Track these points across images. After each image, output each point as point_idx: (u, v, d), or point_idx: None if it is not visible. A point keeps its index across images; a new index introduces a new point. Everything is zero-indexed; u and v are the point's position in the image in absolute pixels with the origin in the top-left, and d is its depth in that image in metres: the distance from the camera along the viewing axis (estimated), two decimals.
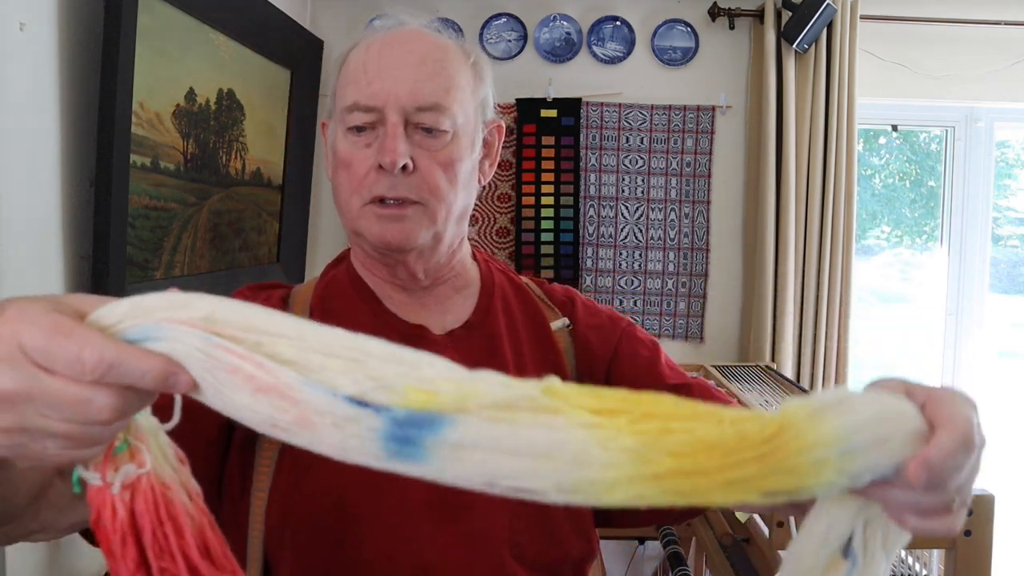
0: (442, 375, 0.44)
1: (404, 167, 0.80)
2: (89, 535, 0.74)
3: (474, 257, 0.96)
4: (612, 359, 0.91)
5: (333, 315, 0.87)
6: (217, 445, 0.79)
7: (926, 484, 0.43)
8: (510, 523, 0.79)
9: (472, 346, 0.86)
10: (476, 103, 0.87)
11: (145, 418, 0.50)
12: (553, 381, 0.43)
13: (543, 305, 0.94)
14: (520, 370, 0.86)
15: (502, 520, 0.79)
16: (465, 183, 0.86)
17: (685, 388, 0.90)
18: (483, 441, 0.42)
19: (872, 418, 0.42)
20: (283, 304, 0.88)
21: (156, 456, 0.49)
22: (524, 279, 0.98)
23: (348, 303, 0.88)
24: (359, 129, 0.82)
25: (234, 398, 0.44)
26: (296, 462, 0.78)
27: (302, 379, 0.42)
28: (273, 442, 0.79)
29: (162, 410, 0.50)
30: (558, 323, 0.92)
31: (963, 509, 0.49)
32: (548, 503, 0.45)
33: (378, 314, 0.87)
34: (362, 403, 0.42)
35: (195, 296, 0.45)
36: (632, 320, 0.98)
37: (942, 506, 0.46)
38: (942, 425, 0.45)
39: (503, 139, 0.94)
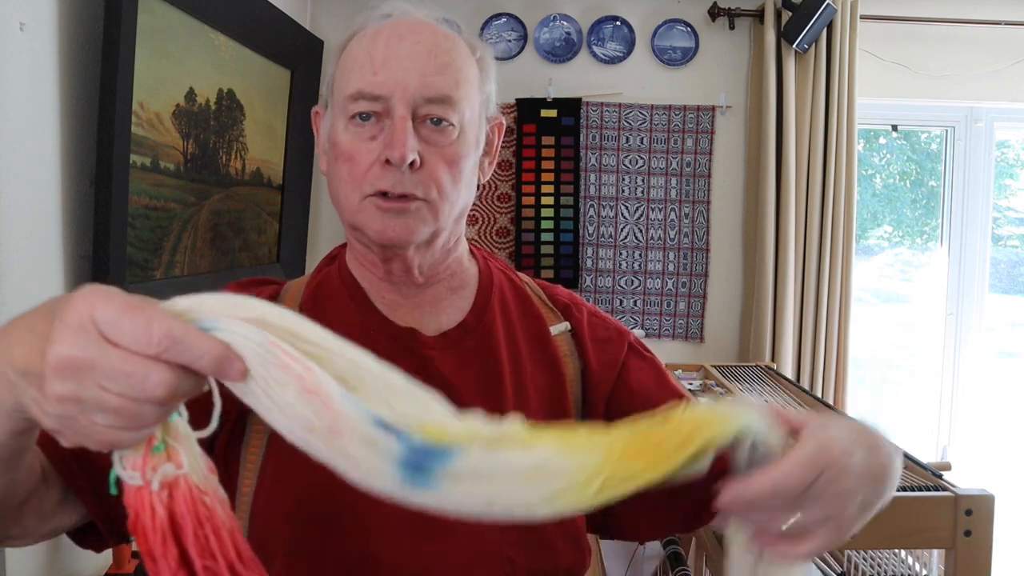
0: (447, 414, 0.50)
1: (412, 163, 0.77)
2: (76, 536, 0.74)
3: (472, 255, 0.94)
4: (620, 374, 0.89)
5: (323, 316, 0.83)
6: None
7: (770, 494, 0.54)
8: (501, 535, 0.78)
9: (467, 349, 0.84)
10: (482, 99, 0.85)
11: (181, 422, 0.52)
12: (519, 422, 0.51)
13: (543, 307, 0.91)
14: (517, 374, 0.84)
15: (493, 532, 0.78)
16: (468, 181, 0.84)
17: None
18: (483, 468, 0.48)
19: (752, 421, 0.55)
20: (272, 302, 0.87)
21: (191, 460, 0.51)
22: (525, 278, 0.96)
23: (338, 304, 0.86)
24: (363, 117, 0.79)
25: (280, 394, 0.47)
26: (282, 463, 0.77)
27: (342, 392, 0.47)
28: (259, 441, 0.78)
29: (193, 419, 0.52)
30: (559, 327, 0.90)
31: (836, 528, 0.57)
32: (537, 517, 0.53)
33: (368, 316, 0.85)
34: (388, 427, 0.47)
35: (250, 298, 0.49)
36: (636, 338, 0.96)
37: (796, 525, 0.54)
38: (797, 445, 0.56)
39: (503, 136, 0.92)
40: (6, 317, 1.32)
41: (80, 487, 0.70)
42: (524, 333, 0.88)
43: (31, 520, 0.67)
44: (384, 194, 0.79)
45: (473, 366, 0.83)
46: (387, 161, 0.77)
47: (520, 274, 0.97)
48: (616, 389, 0.89)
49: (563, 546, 0.82)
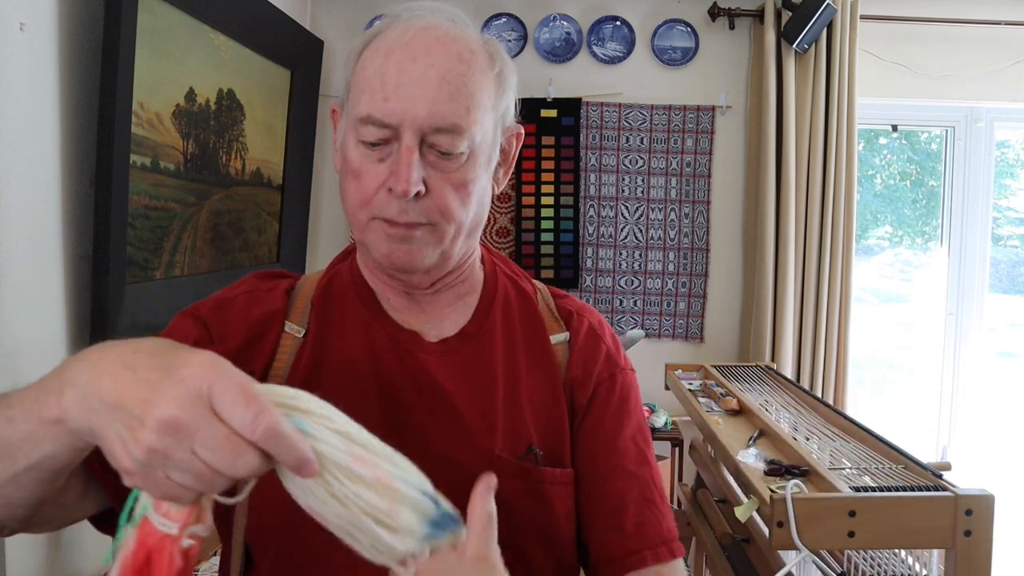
0: None
1: (416, 193, 0.77)
2: (96, 522, 0.76)
3: (482, 260, 0.94)
4: (591, 399, 0.88)
5: (331, 314, 0.87)
6: None
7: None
8: None
9: (464, 357, 0.85)
10: (497, 116, 0.84)
11: None
12: None
13: (548, 316, 0.91)
14: (511, 386, 0.85)
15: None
16: (479, 200, 0.83)
17: (628, 478, 0.86)
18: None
19: None
20: (286, 297, 0.88)
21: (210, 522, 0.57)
22: (537, 285, 0.95)
23: (347, 303, 0.88)
24: (372, 144, 0.78)
25: (350, 487, 0.55)
26: None
27: (401, 477, 0.57)
28: None
29: None
30: (559, 336, 0.90)
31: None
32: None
33: (374, 315, 0.86)
34: (431, 496, 0.58)
35: (335, 411, 0.57)
36: (630, 370, 0.93)
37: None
38: None
39: (521, 143, 0.91)
40: (6, 317, 1.32)
41: (105, 479, 0.72)
42: (524, 341, 0.88)
43: (52, 511, 0.69)
44: (390, 220, 0.79)
45: (468, 375, 0.84)
46: (391, 189, 0.77)
47: (535, 281, 0.96)
48: (583, 414, 0.87)
49: (545, 563, 0.82)
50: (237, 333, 0.82)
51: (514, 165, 0.91)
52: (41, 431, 0.57)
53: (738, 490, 1.83)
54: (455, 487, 0.80)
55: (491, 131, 0.83)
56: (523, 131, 0.90)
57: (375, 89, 0.78)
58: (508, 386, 0.84)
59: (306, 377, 0.81)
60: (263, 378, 0.81)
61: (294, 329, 0.84)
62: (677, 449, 2.58)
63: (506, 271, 0.95)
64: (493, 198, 0.88)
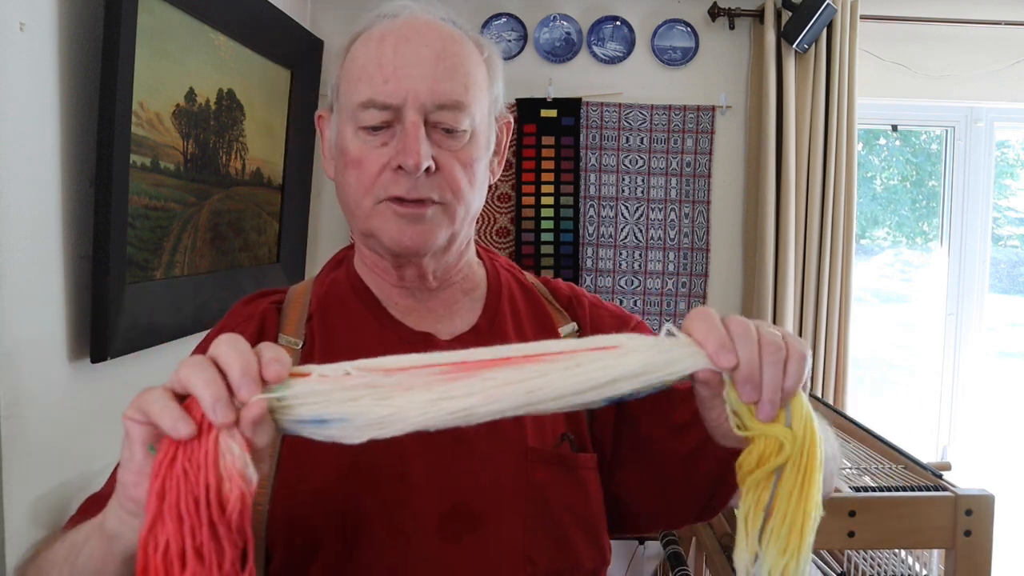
0: None
1: (427, 168, 0.76)
2: None
3: (479, 256, 0.93)
4: None
5: (335, 323, 0.84)
6: None
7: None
8: (523, 536, 0.78)
9: None
10: (491, 100, 0.85)
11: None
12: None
13: (551, 308, 0.91)
14: None
15: (516, 533, 0.78)
16: (480, 183, 0.83)
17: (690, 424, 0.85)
18: None
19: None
20: (277, 313, 0.85)
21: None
22: (531, 278, 0.95)
23: (350, 310, 0.85)
24: (374, 128, 0.78)
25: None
26: (298, 458, 0.77)
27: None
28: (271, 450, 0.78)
29: None
30: (567, 328, 0.89)
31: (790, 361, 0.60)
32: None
33: (383, 321, 0.84)
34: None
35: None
36: (640, 320, 0.93)
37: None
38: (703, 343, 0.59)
39: (511, 135, 0.91)
40: (6, 317, 1.32)
41: None
42: (534, 335, 0.88)
43: None
44: (399, 199, 0.78)
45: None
46: (399, 167, 0.77)
47: (526, 273, 0.96)
48: None
49: (584, 547, 0.82)
50: None
51: (505, 156, 0.91)
52: (89, 533, 0.62)
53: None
54: (493, 481, 0.79)
55: (487, 114, 0.84)
56: (512, 121, 0.91)
57: (372, 74, 0.78)
58: None
59: None
60: None
61: (290, 342, 0.82)
62: None
63: (506, 266, 0.95)
64: (489, 188, 0.88)
